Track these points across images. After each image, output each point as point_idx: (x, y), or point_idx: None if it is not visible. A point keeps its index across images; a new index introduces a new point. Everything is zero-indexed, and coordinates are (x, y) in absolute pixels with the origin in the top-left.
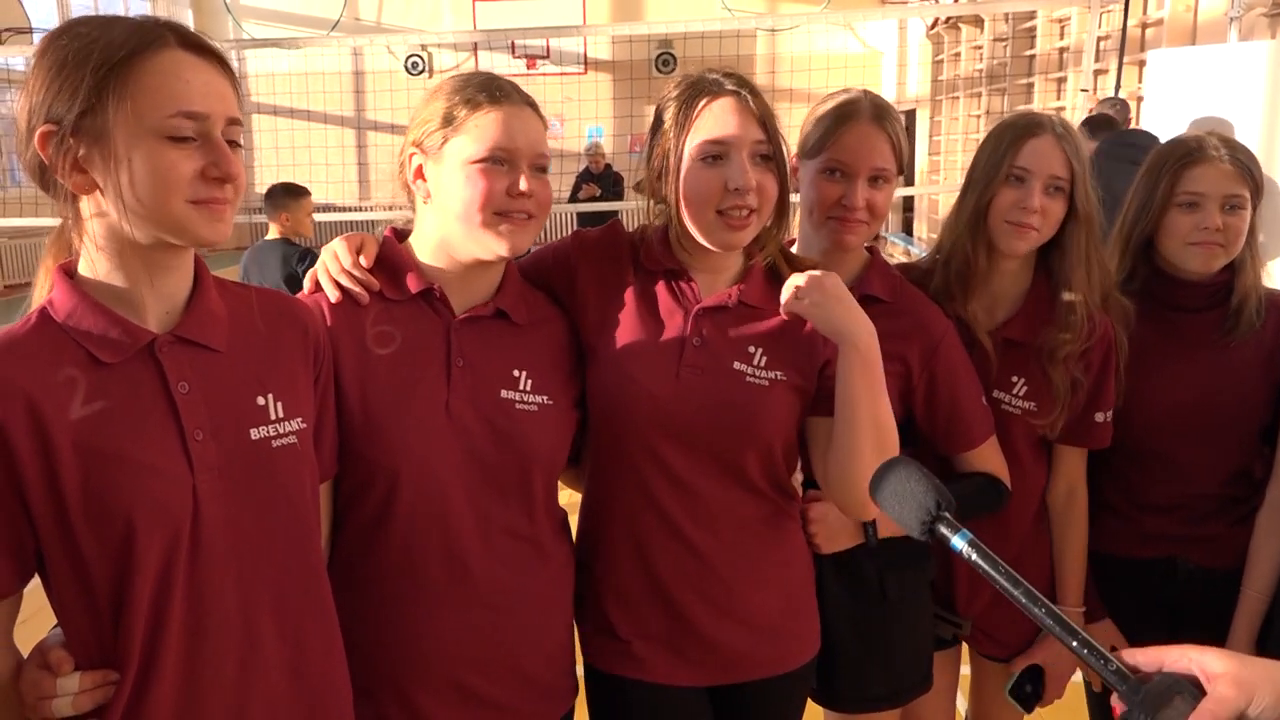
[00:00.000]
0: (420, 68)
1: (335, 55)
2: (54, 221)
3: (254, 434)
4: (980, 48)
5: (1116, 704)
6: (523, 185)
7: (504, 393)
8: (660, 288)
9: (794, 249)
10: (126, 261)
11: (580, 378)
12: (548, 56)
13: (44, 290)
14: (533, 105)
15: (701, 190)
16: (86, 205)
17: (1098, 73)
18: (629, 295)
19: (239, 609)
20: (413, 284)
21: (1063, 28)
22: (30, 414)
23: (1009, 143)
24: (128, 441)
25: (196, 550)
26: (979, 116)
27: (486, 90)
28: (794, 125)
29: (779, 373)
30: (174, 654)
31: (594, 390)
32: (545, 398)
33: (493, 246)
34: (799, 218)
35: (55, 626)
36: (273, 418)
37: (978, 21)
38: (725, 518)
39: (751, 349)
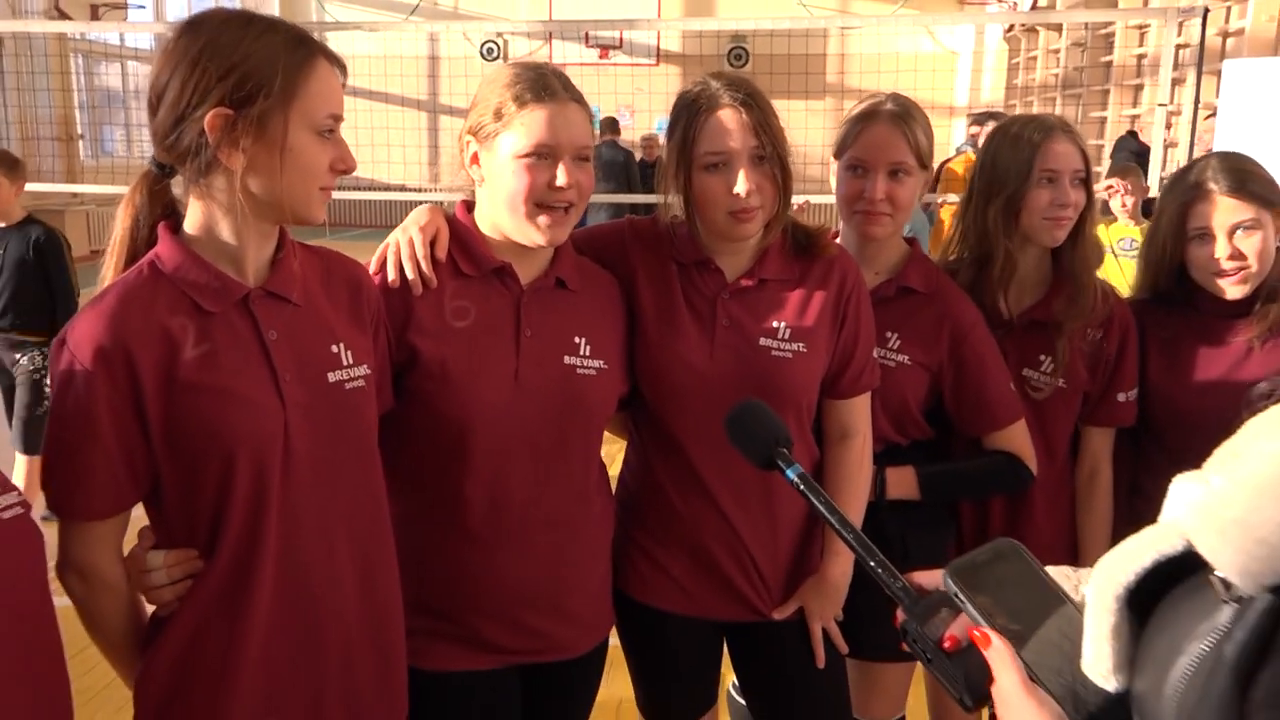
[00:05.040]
0: (495, 54)
1: (413, 39)
2: None
3: (330, 377)
4: (1057, 52)
5: (899, 615)
6: (562, 179)
7: (566, 359)
8: (692, 275)
9: (837, 241)
10: (244, 226)
11: (630, 343)
12: (620, 47)
13: (123, 234)
14: (579, 100)
15: (709, 195)
16: (220, 178)
17: (1175, 82)
18: (668, 283)
19: (321, 531)
20: (487, 262)
21: (1142, 34)
22: (157, 353)
23: (1032, 148)
24: (230, 379)
25: (287, 477)
26: None
27: (534, 89)
28: None
29: (801, 344)
30: (271, 564)
31: (642, 367)
32: (602, 362)
33: (533, 236)
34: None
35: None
36: (345, 363)
37: (1056, 25)
38: (751, 474)
39: (775, 323)
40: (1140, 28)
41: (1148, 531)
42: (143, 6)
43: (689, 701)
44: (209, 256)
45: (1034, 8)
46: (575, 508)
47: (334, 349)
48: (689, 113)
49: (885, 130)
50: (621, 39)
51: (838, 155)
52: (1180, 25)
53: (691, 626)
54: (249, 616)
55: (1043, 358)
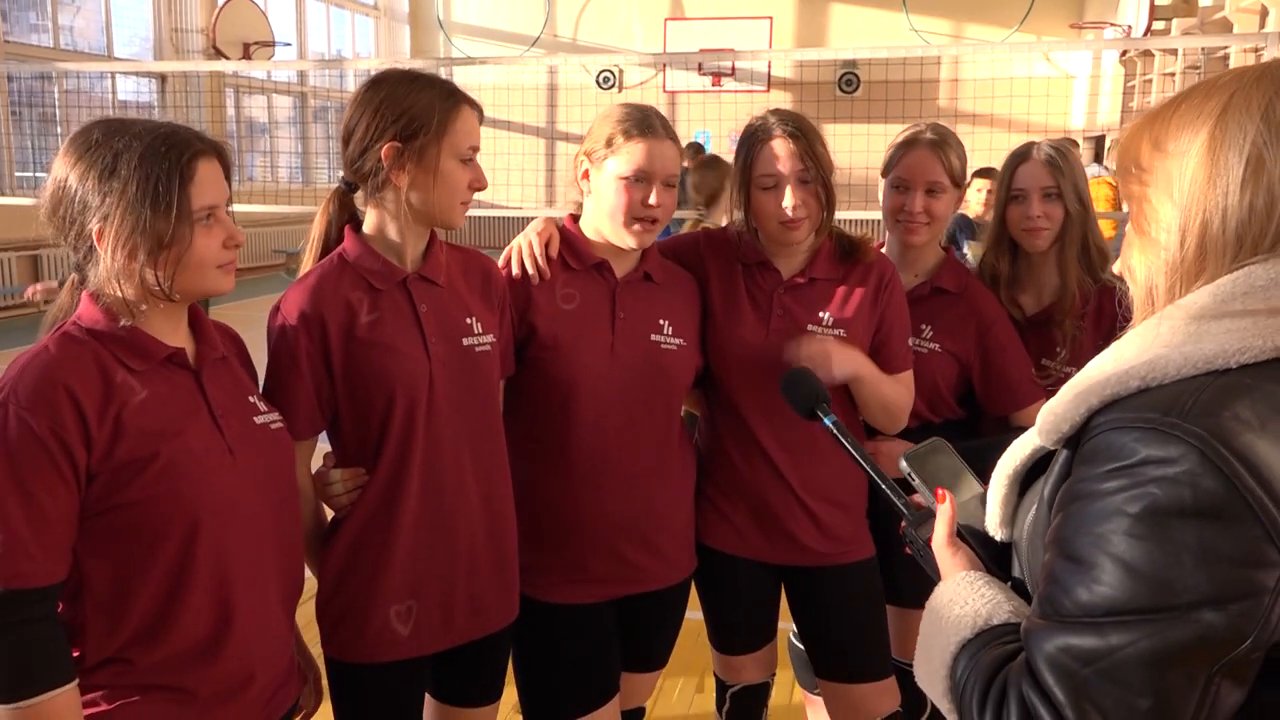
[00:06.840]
0: (611, 82)
1: (534, 71)
2: (278, 209)
3: (464, 341)
4: (1172, 75)
5: (902, 524)
6: (653, 200)
7: (652, 336)
8: (754, 274)
9: (884, 250)
10: (406, 227)
11: (704, 328)
12: (733, 74)
13: (320, 232)
14: (673, 138)
15: (764, 209)
16: (390, 192)
17: None
18: (735, 279)
19: (454, 457)
20: (589, 259)
21: (1258, 57)
22: (342, 317)
23: (1005, 171)
24: (393, 338)
25: (430, 414)
26: None
27: (640, 126)
28: (975, 150)
29: (841, 330)
30: (417, 480)
31: (712, 346)
32: (681, 340)
33: (626, 241)
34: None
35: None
36: (476, 332)
37: (1172, 49)
38: (800, 437)
39: (822, 314)
40: (1255, 50)
41: (1032, 430)
42: (289, 44)
43: (749, 633)
44: (380, 249)
45: (1148, 31)
46: (660, 458)
47: (468, 320)
48: (749, 142)
49: (924, 154)
50: (734, 66)
51: (884, 174)
52: None
53: (751, 568)
54: (399, 519)
55: (1059, 349)
